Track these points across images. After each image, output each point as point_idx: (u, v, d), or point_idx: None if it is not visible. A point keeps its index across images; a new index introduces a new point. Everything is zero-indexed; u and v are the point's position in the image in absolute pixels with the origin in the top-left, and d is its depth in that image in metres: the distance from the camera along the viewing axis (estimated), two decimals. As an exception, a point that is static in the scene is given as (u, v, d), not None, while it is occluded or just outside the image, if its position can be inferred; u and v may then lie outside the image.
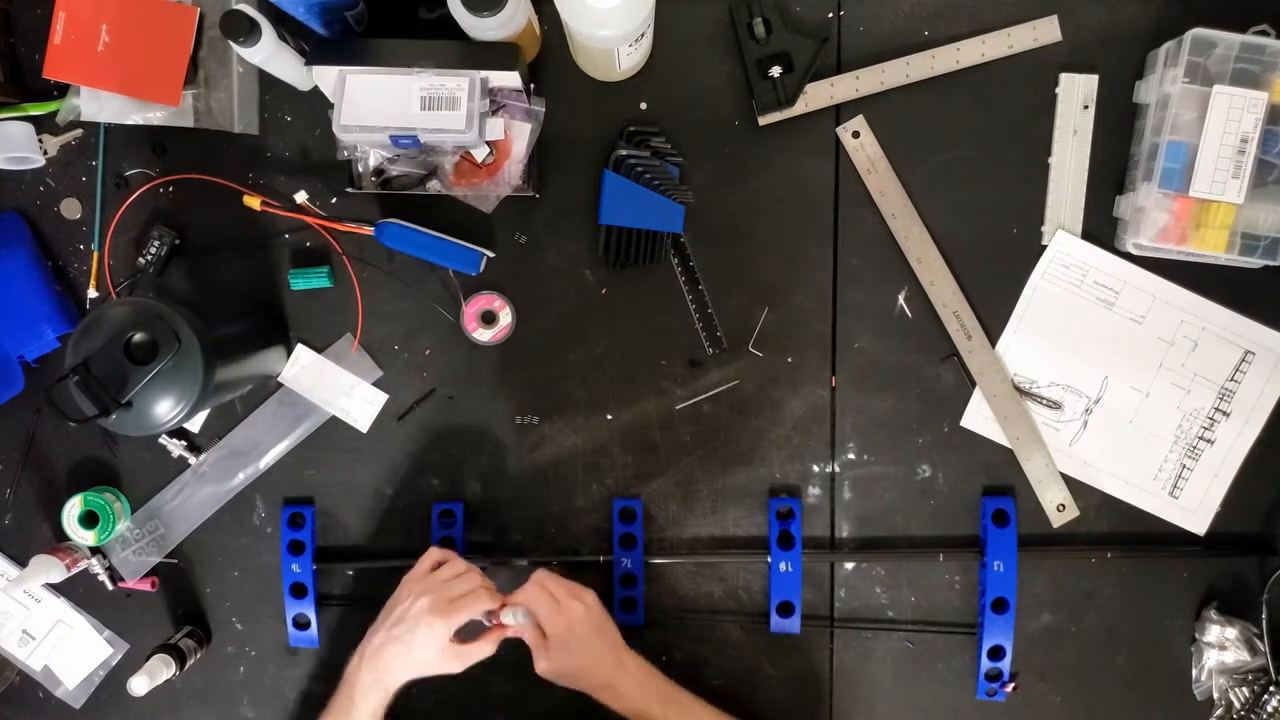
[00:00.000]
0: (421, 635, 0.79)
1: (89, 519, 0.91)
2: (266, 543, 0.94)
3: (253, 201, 0.90)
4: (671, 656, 0.94)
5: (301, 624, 0.94)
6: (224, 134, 0.90)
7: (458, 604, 0.80)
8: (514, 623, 0.82)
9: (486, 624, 0.83)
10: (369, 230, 0.90)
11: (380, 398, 0.93)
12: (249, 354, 0.88)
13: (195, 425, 0.94)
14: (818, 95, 0.89)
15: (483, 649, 0.82)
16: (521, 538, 0.94)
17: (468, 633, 0.81)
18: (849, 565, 0.93)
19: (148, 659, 0.89)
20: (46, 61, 0.87)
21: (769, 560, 0.91)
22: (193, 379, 0.76)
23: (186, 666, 0.91)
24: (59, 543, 0.94)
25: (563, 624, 0.81)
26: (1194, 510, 0.92)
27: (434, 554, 0.85)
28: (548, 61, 0.91)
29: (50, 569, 0.89)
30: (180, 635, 0.93)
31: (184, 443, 0.93)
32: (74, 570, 0.92)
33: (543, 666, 0.82)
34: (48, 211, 0.93)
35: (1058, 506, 0.92)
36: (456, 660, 0.81)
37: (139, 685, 0.86)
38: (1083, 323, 0.91)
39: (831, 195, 0.91)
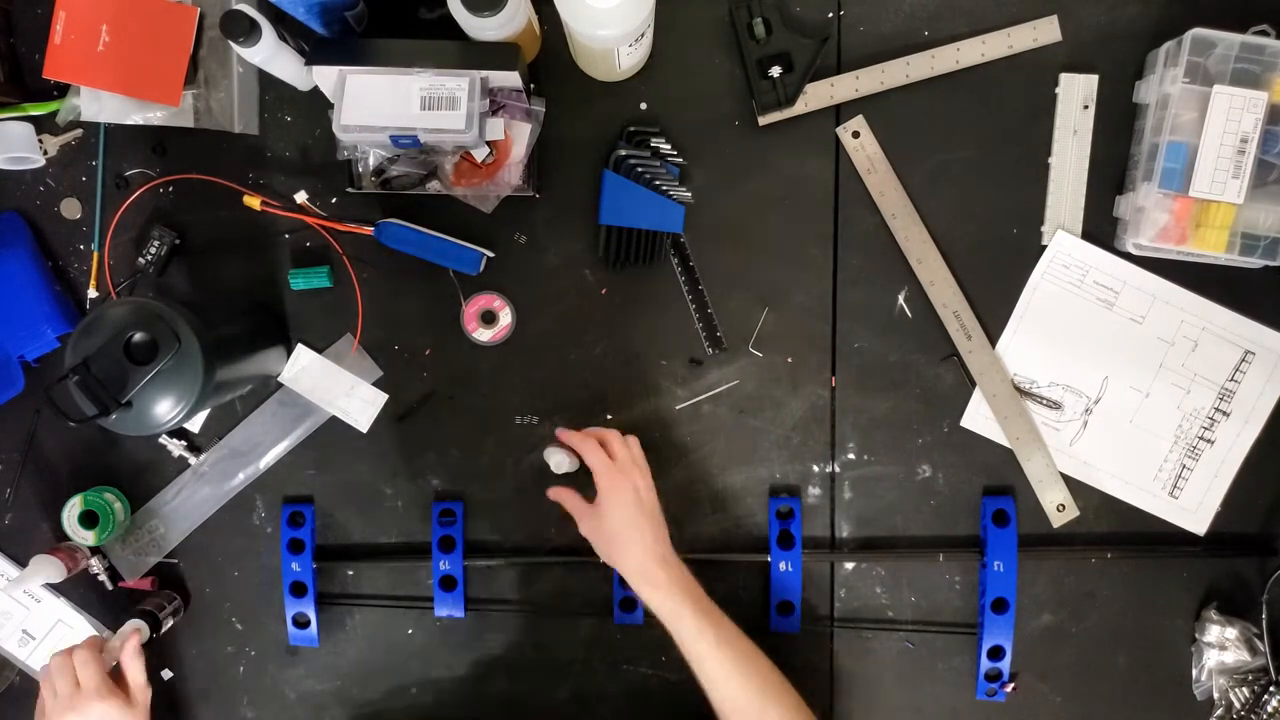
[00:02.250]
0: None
1: (89, 519, 0.91)
2: (266, 543, 0.94)
3: (253, 201, 0.90)
4: (671, 656, 0.94)
5: (301, 623, 0.94)
6: (224, 134, 0.90)
7: (120, 683, 0.78)
8: (557, 468, 0.85)
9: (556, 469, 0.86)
10: (369, 230, 0.90)
11: (380, 398, 0.93)
12: (249, 354, 0.88)
13: (195, 425, 0.94)
14: (818, 95, 0.89)
15: (136, 671, 0.79)
16: (521, 538, 0.94)
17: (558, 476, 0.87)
18: (849, 565, 0.93)
19: (122, 624, 0.88)
20: (46, 61, 0.87)
21: (769, 560, 0.91)
22: (193, 379, 0.76)
23: (162, 630, 0.90)
24: (59, 543, 0.94)
25: (615, 487, 0.80)
26: (1194, 510, 0.92)
27: (44, 684, 0.78)
28: (548, 61, 0.91)
29: (50, 569, 0.89)
30: (153, 598, 0.93)
31: (184, 443, 0.93)
32: (74, 570, 0.92)
33: (586, 526, 0.82)
34: (48, 211, 0.93)
35: (1058, 506, 0.92)
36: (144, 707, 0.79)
37: (111, 654, 0.84)
38: (1083, 323, 0.91)
39: (831, 195, 0.91)
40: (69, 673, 0.77)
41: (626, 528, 0.79)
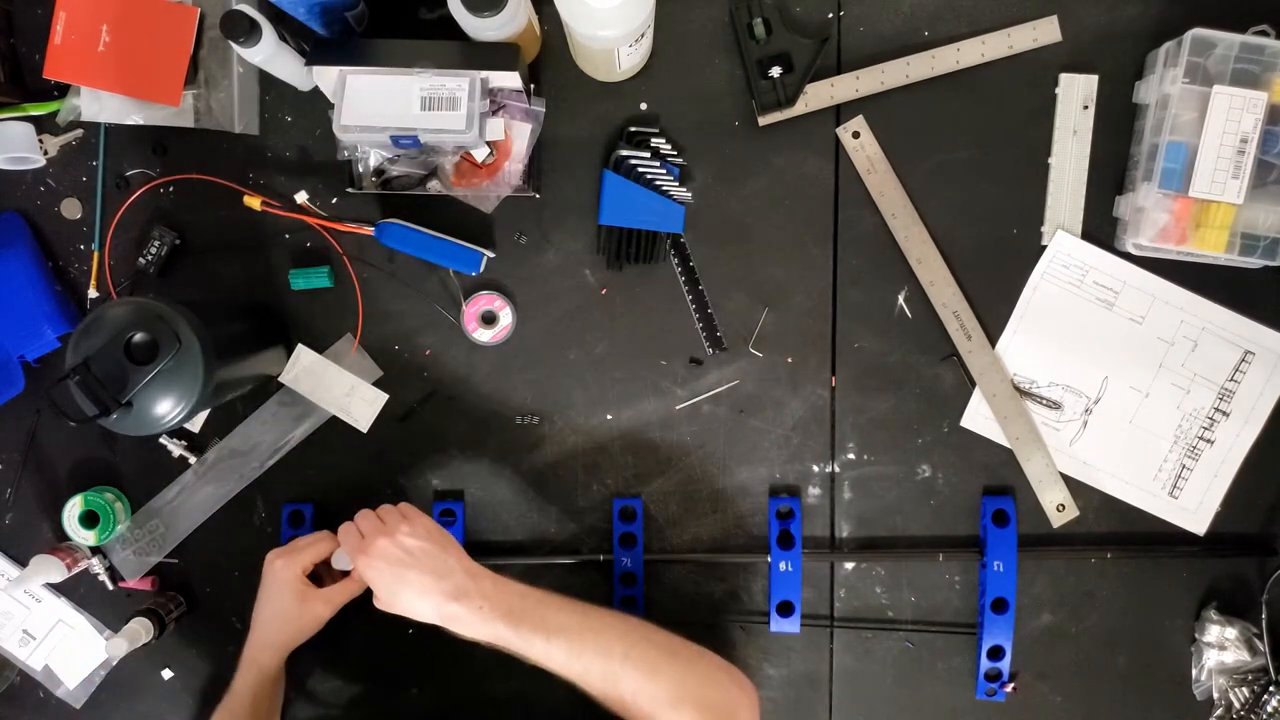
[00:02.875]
0: (271, 583, 0.83)
1: (89, 519, 0.91)
2: (266, 543, 0.94)
3: (253, 201, 0.90)
4: (671, 656, 0.94)
5: (301, 624, 0.94)
6: (224, 134, 0.90)
7: (300, 548, 0.83)
8: (342, 566, 0.85)
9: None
10: (369, 230, 0.90)
11: (380, 398, 0.93)
12: (249, 354, 0.88)
13: (195, 425, 0.94)
14: (818, 95, 0.89)
15: (345, 588, 0.84)
16: (521, 538, 0.94)
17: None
18: (849, 565, 0.93)
19: (126, 622, 0.89)
20: (47, 61, 0.87)
21: (769, 560, 0.91)
22: (193, 379, 0.76)
23: (165, 631, 0.91)
24: (59, 543, 0.94)
25: (367, 564, 0.76)
26: (1194, 510, 0.92)
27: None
28: (548, 61, 0.91)
29: (50, 569, 0.89)
30: (158, 598, 0.94)
31: (184, 443, 0.93)
32: (74, 570, 0.92)
33: (379, 604, 0.78)
34: (48, 211, 0.93)
35: (1057, 506, 0.92)
36: (319, 603, 0.83)
37: (116, 648, 0.86)
38: (1083, 323, 0.91)
39: (831, 195, 0.91)
40: (371, 516, 0.79)
41: (398, 591, 0.75)
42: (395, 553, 0.75)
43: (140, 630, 0.88)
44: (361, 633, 0.95)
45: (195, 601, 0.95)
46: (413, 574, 0.75)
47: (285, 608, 0.83)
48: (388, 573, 0.75)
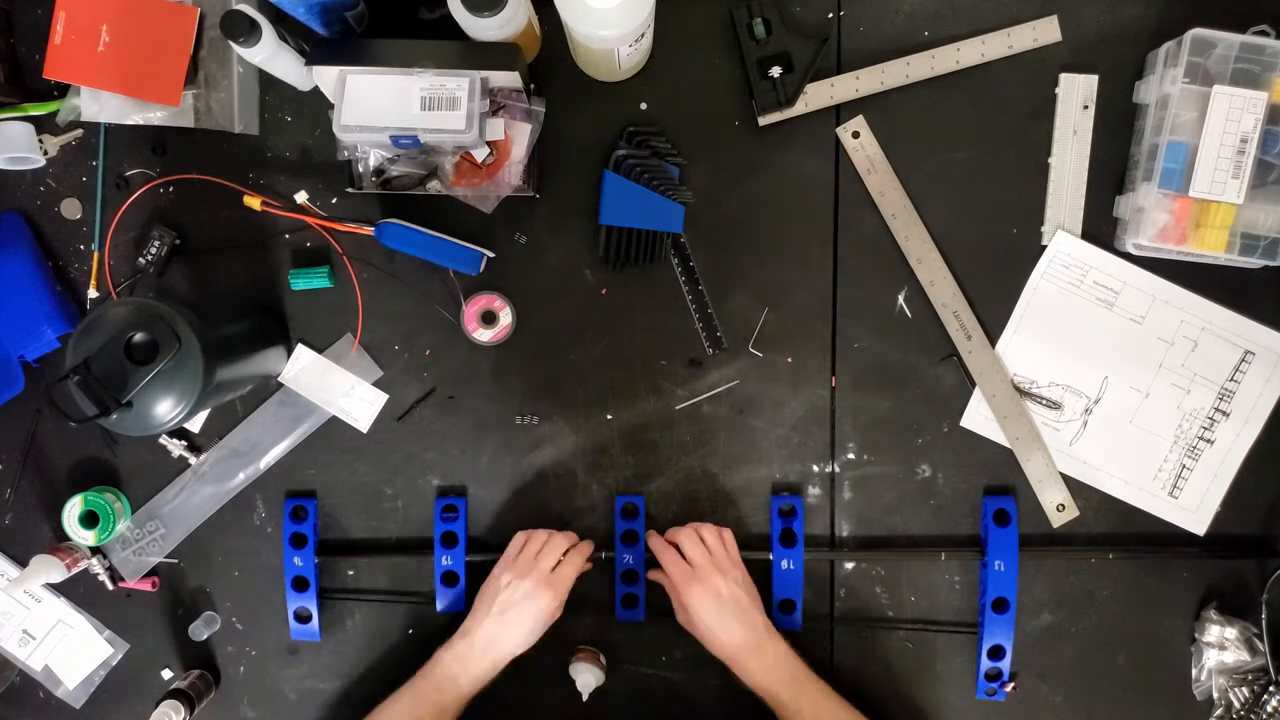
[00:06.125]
0: (531, 612, 0.84)
1: (89, 519, 0.91)
2: (267, 543, 0.94)
3: (253, 201, 0.90)
4: (672, 656, 0.94)
5: (303, 618, 0.94)
6: (224, 134, 0.90)
7: (558, 575, 0.86)
8: (584, 688, 0.89)
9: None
10: (369, 230, 0.90)
11: (380, 398, 0.93)
12: (249, 354, 0.88)
13: (195, 425, 0.94)
14: (818, 95, 0.89)
15: (569, 574, 0.87)
16: (521, 538, 0.94)
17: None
18: (849, 565, 0.93)
19: (156, 706, 0.89)
20: (46, 61, 0.87)
21: (770, 558, 0.91)
22: (193, 379, 0.76)
23: (196, 711, 0.91)
24: (59, 543, 0.94)
25: (699, 593, 0.85)
26: (1194, 510, 0.92)
27: (518, 538, 0.89)
28: (548, 61, 0.91)
29: (50, 569, 0.89)
30: (190, 679, 0.93)
31: (184, 443, 0.93)
32: (74, 570, 0.92)
33: (680, 619, 0.88)
34: (48, 211, 0.93)
35: (1058, 506, 0.92)
36: (559, 607, 0.86)
37: None
38: (1083, 323, 0.91)
39: (831, 195, 0.91)
40: (540, 542, 0.88)
41: (710, 628, 0.85)
42: (724, 594, 0.85)
43: (170, 713, 0.88)
44: (361, 633, 0.95)
45: (194, 600, 0.95)
46: (728, 619, 0.84)
47: (537, 630, 0.86)
48: (711, 608, 0.85)
